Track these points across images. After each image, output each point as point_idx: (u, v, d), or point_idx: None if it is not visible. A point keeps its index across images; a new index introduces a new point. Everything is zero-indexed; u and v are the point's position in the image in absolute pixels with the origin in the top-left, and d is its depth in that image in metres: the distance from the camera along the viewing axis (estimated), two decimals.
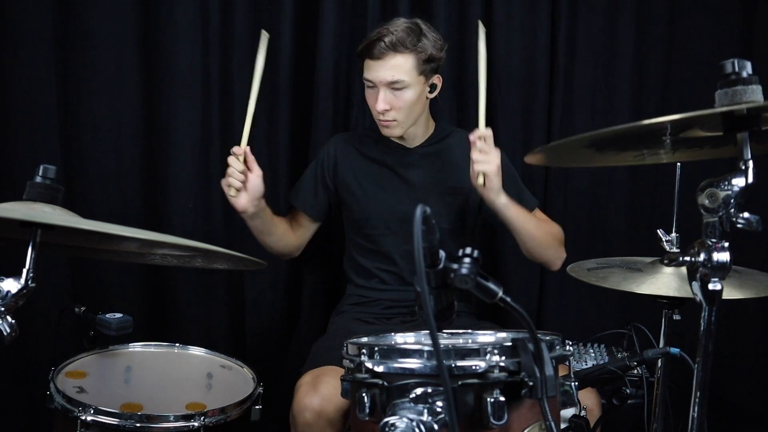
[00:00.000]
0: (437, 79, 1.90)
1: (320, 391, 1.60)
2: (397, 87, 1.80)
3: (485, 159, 1.71)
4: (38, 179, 1.21)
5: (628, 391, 1.39)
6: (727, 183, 1.00)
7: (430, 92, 1.90)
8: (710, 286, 1.03)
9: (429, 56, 1.82)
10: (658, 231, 1.56)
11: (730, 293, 1.46)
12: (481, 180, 1.73)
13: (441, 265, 0.94)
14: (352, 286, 2.05)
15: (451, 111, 2.34)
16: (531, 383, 0.99)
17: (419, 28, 1.83)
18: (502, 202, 1.77)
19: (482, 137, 1.72)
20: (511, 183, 1.92)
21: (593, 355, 2.00)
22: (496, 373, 1.01)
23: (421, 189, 1.94)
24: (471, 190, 1.95)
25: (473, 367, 1.02)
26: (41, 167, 1.22)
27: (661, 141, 1.17)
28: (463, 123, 2.34)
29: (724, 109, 0.99)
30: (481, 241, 2.36)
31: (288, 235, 2.02)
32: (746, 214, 1.01)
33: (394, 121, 1.85)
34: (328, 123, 2.30)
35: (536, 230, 1.88)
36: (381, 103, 1.81)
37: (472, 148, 1.73)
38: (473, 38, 2.27)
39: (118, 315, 1.67)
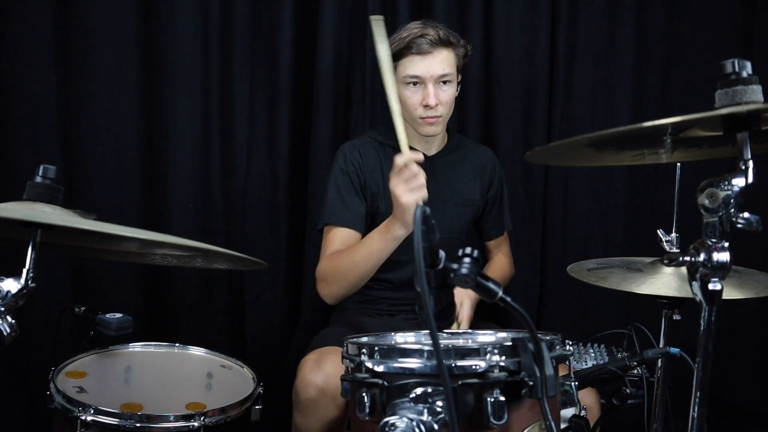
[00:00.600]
0: (460, 77, 1.92)
1: (324, 369, 1.61)
2: (445, 80, 1.82)
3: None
4: (38, 179, 1.21)
5: (628, 391, 1.38)
6: (727, 183, 1.00)
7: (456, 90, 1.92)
8: (710, 286, 1.03)
9: (464, 53, 1.88)
10: (658, 231, 1.56)
11: (730, 293, 1.46)
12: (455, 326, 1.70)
13: (441, 265, 0.94)
14: None
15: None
16: (531, 383, 0.99)
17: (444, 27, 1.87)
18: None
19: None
20: (495, 208, 2.02)
21: (593, 355, 2.00)
22: (496, 373, 1.01)
23: (438, 199, 1.89)
24: (480, 202, 2.00)
25: (473, 367, 1.02)
26: (41, 167, 1.22)
27: (661, 141, 1.17)
28: (463, 124, 2.35)
29: (725, 111, 0.99)
30: (481, 239, 2.36)
31: None
32: (746, 214, 1.00)
33: (440, 117, 1.84)
34: (328, 122, 2.30)
35: None
36: (432, 97, 1.80)
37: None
38: (473, 38, 2.29)
39: (118, 315, 1.67)
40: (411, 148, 1.92)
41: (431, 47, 1.79)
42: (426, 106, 1.81)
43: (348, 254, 1.76)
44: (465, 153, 2.02)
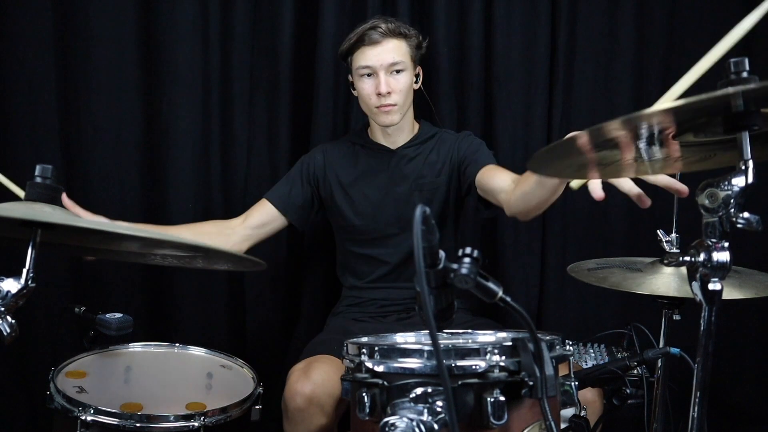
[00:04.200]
0: (419, 70, 1.98)
1: (312, 378, 1.61)
2: (397, 69, 1.86)
3: None
4: (38, 179, 1.21)
5: (628, 391, 1.38)
6: (727, 183, 1.00)
7: (415, 82, 1.96)
8: (710, 286, 1.02)
9: (418, 44, 1.92)
10: (658, 231, 1.56)
11: (730, 293, 1.46)
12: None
13: (441, 265, 0.94)
14: (346, 288, 2.06)
15: (452, 111, 2.34)
16: (531, 383, 0.99)
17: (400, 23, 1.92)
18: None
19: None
20: (470, 155, 1.92)
21: (593, 355, 2.00)
22: (496, 373, 1.01)
23: (404, 190, 1.96)
24: (450, 184, 1.95)
25: (473, 367, 1.02)
26: (39, 167, 1.22)
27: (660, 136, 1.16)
28: (464, 123, 2.34)
29: (720, 92, 0.97)
30: (481, 239, 2.36)
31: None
32: (746, 214, 1.00)
33: (395, 105, 1.87)
34: (328, 123, 2.30)
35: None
36: (383, 85, 1.84)
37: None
38: (473, 38, 2.29)
39: (118, 315, 1.67)
40: (376, 143, 2.00)
41: (381, 37, 1.84)
42: (379, 95, 1.85)
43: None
44: (436, 141, 2.01)
